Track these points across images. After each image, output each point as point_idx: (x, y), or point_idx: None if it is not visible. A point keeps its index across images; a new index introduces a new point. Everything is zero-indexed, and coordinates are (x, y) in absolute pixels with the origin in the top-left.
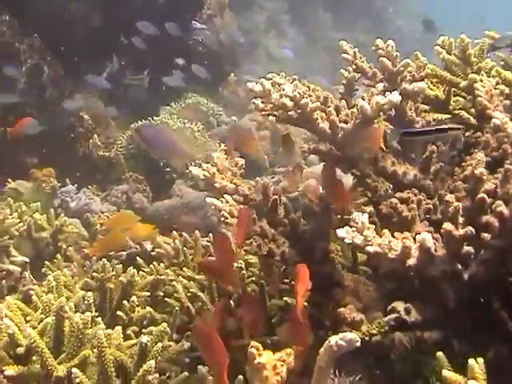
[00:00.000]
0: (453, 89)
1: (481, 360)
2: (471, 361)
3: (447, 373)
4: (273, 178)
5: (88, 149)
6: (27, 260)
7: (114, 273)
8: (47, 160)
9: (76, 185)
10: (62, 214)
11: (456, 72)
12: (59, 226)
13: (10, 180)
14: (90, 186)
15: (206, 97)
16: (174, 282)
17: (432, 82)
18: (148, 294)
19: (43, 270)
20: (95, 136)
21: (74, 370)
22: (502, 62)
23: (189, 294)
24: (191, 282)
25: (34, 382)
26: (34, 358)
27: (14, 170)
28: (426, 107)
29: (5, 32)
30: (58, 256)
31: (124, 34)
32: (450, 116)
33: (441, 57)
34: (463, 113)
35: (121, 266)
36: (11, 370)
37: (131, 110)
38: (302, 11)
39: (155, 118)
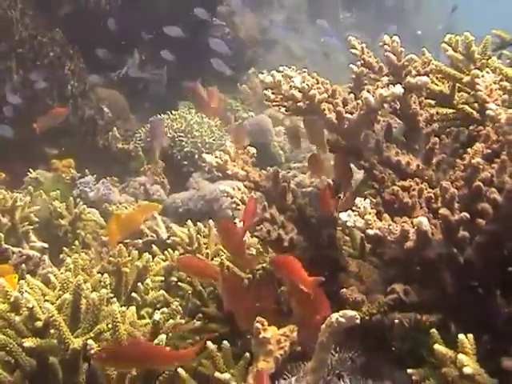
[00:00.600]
0: (457, 84)
1: (471, 336)
2: (461, 336)
3: (439, 347)
4: (288, 173)
5: (107, 141)
6: (46, 246)
7: (129, 258)
8: (67, 151)
9: (95, 176)
10: (81, 203)
11: (461, 68)
12: (78, 213)
13: (30, 170)
14: (108, 178)
15: (225, 92)
16: None
17: (437, 78)
18: (162, 278)
19: (61, 255)
20: (114, 129)
21: (90, 341)
22: (508, 61)
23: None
24: None
25: (51, 354)
26: (52, 331)
27: (34, 160)
28: (432, 102)
29: (28, 25)
30: (76, 242)
31: (146, 29)
32: (453, 110)
33: (447, 54)
34: (467, 107)
35: (137, 252)
36: (30, 343)
37: (150, 104)
38: (321, 10)
39: (174, 112)
